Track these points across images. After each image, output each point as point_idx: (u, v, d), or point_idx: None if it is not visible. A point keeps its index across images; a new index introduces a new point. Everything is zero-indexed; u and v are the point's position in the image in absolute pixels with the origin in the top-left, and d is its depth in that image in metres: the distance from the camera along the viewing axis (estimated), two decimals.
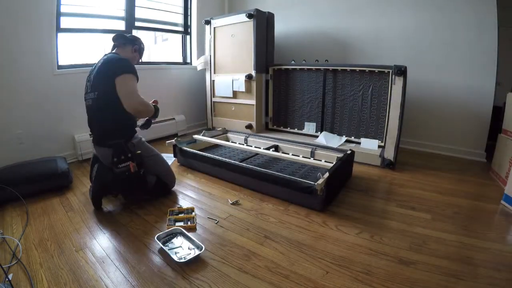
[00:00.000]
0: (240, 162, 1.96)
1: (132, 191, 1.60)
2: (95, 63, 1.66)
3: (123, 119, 1.57)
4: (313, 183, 1.52)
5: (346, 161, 1.95)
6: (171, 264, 1.14)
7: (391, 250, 1.24)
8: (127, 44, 1.75)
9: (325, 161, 2.06)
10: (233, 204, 1.65)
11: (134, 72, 1.58)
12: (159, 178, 1.72)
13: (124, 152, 1.53)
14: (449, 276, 1.08)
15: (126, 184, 1.55)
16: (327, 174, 1.58)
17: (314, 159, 2.17)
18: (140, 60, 1.89)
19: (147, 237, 1.32)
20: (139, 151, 1.60)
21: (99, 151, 1.62)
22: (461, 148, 2.57)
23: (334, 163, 1.85)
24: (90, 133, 1.73)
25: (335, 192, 1.76)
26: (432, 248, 1.25)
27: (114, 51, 1.71)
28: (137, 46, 1.79)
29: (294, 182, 1.60)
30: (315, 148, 2.27)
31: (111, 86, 1.49)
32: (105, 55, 1.67)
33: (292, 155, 2.23)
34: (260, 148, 2.35)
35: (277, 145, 2.47)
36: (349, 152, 2.03)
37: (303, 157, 2.17)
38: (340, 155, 2.03)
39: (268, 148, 2.33)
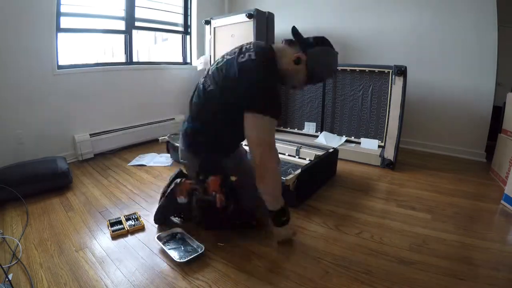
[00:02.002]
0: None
1: (212, 223, 1.27)
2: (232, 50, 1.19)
3: (231, 136, 1.19)
4: (283, 178, 1.53)
5: (325, 159, 1.95)
6: (171, 264, 1.14)
7: (391, 250, 1.24)
8: (294, 45, 1.18)
9: (309, 159, 2.06)
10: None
11: (270, 111, 1.05)
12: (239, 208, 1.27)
13: (215, 171, 1.16)
14: (449, 276, 1.08)
15: (204, 216, 1.22)
16: (298, 171, 1.60)
17: (299, 158, 2.17)
18: (307, 85, 1.24)
19: (148, 237, 1.32)
20: (234, 177, 1.20)
21: (186, 156, 1.26)
22: (461, 148, 2.57)
23: (311, 160, 1.87)
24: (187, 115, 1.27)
25: (312, 189, 1.77)
26: (432, 248, 1.25)
27: (273, 45, 1.20)
28: (309, 59, 1.14)
29: None
30: (300, 146, 2.27)
31: (236, 107, 1.09)
32: (248, 45, 1.16)
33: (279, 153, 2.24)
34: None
35: None
36: (331, 150, 2.04)
37: (288, 155, 2.17)
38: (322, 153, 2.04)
39: None
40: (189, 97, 1.29)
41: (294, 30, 1.19)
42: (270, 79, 1.10)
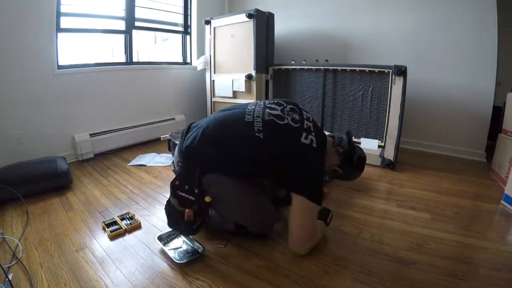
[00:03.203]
0: None
1: (178, 228, 1.25)
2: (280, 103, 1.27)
3: (222, 157, 1.18)
4: None
5: None
6: (171, 264, 1.14)
7: (391, 250, 1.24)
8: (339, 151, 1.32)
9: None
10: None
11: (318, 197, 1.12)
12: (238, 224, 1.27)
13: (192, 183, 1.17)
14: (449, 276, 1.08)
15: (172, 220, 1.22)
16: None
17: None
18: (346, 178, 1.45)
19: (148, 237, 1.32)
20: (209, 198, 1.18)
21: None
22: (461, 148, 2.57)
23: None
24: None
25: None
26: (432, 248, 1.25)
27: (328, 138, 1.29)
28: (343, 174, 1.34)
29: None
30: None
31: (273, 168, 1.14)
32: (308, 121, 1.23)
33: None
34: None
35: None
36: None
37: None
38: None
39: None
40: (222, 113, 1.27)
41: (351, 136, 1.36)
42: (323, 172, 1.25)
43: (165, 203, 1.22)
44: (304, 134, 1.15)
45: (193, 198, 1.16)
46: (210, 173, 1.19)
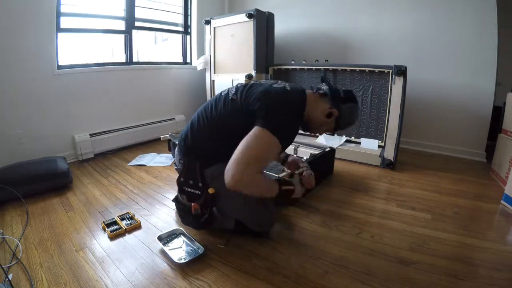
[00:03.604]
0: None
1: (189, 222, 1.33)
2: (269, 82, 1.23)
3: (217, 144, 1.20)
4: (278, 176, 1.57)
5: (322, 158, 1.97)
6: (171, 264, 1.14)
7: (391, 250, 1.24)
8: (326, 97, 1.24)
9: (306, 158, 2.06)
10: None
11: (278, 131, 1.03)
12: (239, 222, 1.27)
13: (195, 177, 1.21)
14: (449, 276, 1.08)
15: (183, 216, 1.31)
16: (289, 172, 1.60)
17: (297, 156, 2.16)
18: (334, 134, 1.35)
19: (148, 237, 1.32)
20: (212, 189, 1.20)
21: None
22: (461, 148, 2.57)
23: (306, 159, 1.88)
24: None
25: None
26: (432, 248, 1.25)
27: (307, 90, 1.26)
28: (341, 115, 1.24)
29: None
30: (298, 145, 2.27)
31: (242, 118, 1.12)
32: (284, 83, 1.21)
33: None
34: None
35: None
36: (327, 149, 2.05)
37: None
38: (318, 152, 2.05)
39: None
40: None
41: (327, 81, 1.27)
42: (294, 112, 1.14)
43: (174, 201, 1.30)
44: (275, 84, 1.18)
45: (199, 192, 1.22)
46: (210, 165, 1.20)
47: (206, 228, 1.33)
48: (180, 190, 1.27)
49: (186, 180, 1.24)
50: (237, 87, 1.22)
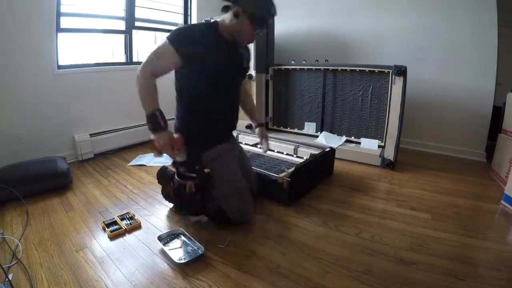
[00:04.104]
0: None
1: (183, 207, 1.43)
2: None
3: (183, 113, 1.35)
4: (277, 176, 1.59)
5: (321, 158, 1.97)
6: (171, 264, 1.14)
7: (391, 250, 1.24)
8: (229, 8, 1.26)
9: (306, 158, 2.07)
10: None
11: (170, 39, 1.17)
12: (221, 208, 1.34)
13: (189, 163, 1.27)
14: (449, 276, 1.08)
15: (177, 198, 1.38)
16: (292, 169, 1.63)
17: (296, 156, 2.17)
18: (255, 33, 1.28)
19: (148, 237, 1.32)
20: (207, 169, 1.26)
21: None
22: (461, 148, 2.57)
23: (306, 159, 1.90)
24: None
25: (306, 187, 1.80)
26: (432, 248, 1.25)
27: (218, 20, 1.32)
28: (244, 6, 1.21)
29: (263, 175, 1.69)
30: (298, 145, 2.27)
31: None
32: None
33: (277, 152, 2.25)
34: (249, 144, 2.43)
35: None
36: (327, 149, 2.05)
37: (286, 154, 2.18)
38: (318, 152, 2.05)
39: (254, 145, 2.39)
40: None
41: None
42: (193, 25, 1.32)
43: (173, 190, 1.36)
44: None
45: (195, 175, 1.27)
46: (206, 144, 1.33)
47: (201, 212, 1.43)
48: (179, 176, 1.32)
49: (184, 166, 1.31)
50: None
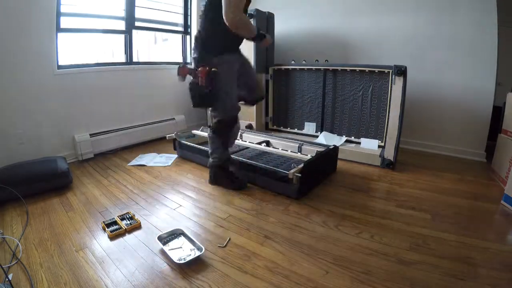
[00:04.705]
0: (231, 154, 2.04)
1: (196, 98, 1.72)
2: None
3: (218, 30, 1.56)
4: (287, 172, 1.65)
5: (326, 155, 2.02)
6: (171, 264, 1.14)
7: (391, 250, 1.24)
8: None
9: (311, 156, 2.07)
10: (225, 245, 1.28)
11: None
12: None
13: (203, 61, 1.61)
14: (449, 276, 1.08)
15: (194, 94, 1.70)
16: (301, 165, 1.69)
17: (301, 154, 2.20)
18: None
19: (148, 237, 1.32)
20: (215, 69, 1.60)
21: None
22: (461, 148, 2.57)
23: (313, 156, 1.94)
24: None
25: (313, 183, 1.87)
26: (432, 248, 1.25)
27: None
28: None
29: (273, 171, 1.77)
30: (302, 143, 2.30)
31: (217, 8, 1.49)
32: None
33: (282, 149, 2.27)
34: (253, 143, 2.44)
35: (268, 140, 2.50)
36: (331, 147, 2.10)
37: (291, 151, 2.20)
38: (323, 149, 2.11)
39: (259, 143, 2.41)
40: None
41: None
42: None
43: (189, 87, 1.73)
44: None
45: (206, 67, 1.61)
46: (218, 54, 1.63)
47: (209, 104, 1.78)
48: (194, 75, 1.68)
49: (195, 69, 1.66)
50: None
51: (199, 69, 1.61)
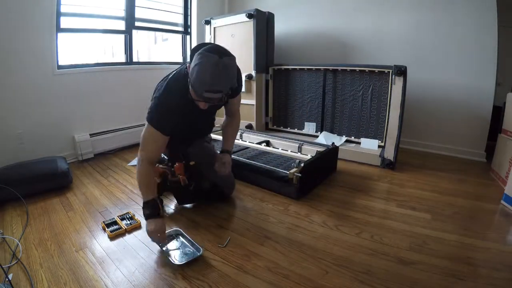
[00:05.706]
0: (233, 153, 2.04)
1: (183, 200, 1.61)
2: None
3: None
4: (287, 172, 1.65)
5: (327, 155, 2.03)
6: (171, 264, 1.14)
7: (391, 250, 1.24)
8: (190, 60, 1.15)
9: (311, 155, 2.07)
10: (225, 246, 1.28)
11: (150, 120, 1.22)
12: (215, 184, 1.60)
13: (178, 160, 1.48)
14: (449, 276, 1.08)
15: (177, 193, 1.58)
16: (301, 164, 1.69)
17: (301, 154, 2.20)
18: (197, 102, 1.15)
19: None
20: (193, 162, 1.48)
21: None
22: (461, 148, 2.57)
23: (313, 156, 1.94)
24: None
25: (313, 183, 1.86)
26: (432, 248, 1.25)
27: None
28: (190, 71, 1.09)
29: (272, 171, 1.77)
30: (302, 143, 2.30)
31: None
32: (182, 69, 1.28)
33: (282, 149, 2.27)
34: (253, 143, 2.43)
35: (268, 140, 2.50)
36: (331, 146, 2.10)
37: (291, 151, 2.20)
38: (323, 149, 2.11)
39: (259, 143, 2.40)
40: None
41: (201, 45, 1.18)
42: (168, 96, 1.21)
43: (168, 185, 1.58)
44: (170, 78, 1.32)
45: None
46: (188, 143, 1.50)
47: (197, 199, 1.62)
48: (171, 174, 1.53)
49: (173, 163, 1.52)
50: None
51: (176, 165, 1.48)
